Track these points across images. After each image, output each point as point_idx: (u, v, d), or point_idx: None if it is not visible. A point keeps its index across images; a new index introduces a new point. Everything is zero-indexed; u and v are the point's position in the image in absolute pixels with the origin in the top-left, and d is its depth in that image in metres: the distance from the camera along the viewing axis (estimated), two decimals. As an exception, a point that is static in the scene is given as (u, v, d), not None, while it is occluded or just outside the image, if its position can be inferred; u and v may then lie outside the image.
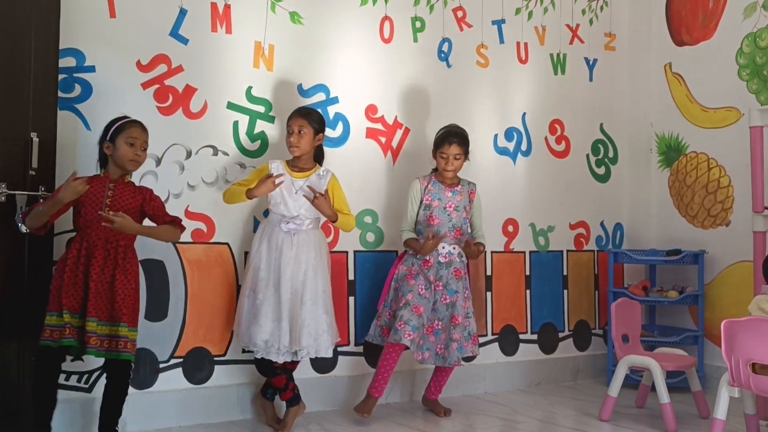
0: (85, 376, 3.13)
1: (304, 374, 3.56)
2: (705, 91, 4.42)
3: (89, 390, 3.14)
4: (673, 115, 4.58)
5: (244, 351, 3.37)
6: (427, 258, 3.50)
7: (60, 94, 3.04)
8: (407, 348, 3.41)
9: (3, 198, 2.81)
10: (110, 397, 2.85)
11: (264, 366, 3.20)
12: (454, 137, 3.54)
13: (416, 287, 3.47)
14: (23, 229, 2.81)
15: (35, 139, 2.88)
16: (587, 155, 4.64)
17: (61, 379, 3.04)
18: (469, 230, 3.66)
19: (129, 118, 2.91)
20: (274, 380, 3.23)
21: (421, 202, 3.59)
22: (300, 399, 3.29)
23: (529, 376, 4.29)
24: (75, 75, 3.14)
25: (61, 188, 2.73)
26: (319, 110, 3.46)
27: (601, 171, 4.70)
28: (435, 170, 3.66)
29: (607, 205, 4.68)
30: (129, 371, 2.84)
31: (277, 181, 3.21)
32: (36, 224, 2.76)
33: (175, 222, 2.98)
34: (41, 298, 2.80)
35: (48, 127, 2.94)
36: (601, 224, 4.66)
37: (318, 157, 3.40)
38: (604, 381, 4.31)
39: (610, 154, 4.74)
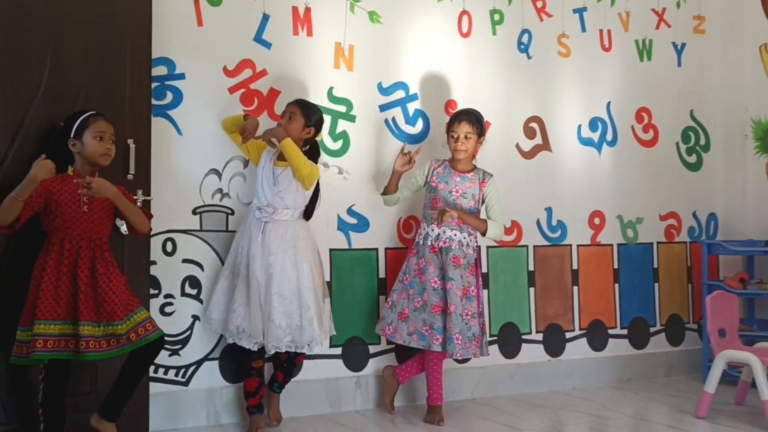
0: (182, 370, 3.28)
1: (337, 373, 3.57)
2: (805, 72, 4.18)
3: (186, 383, 3.28)
4: (770, 98, 4.35)
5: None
6: (432, 243, 3.38)
7: (153, 101, 3.19)
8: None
9: (104, 202, 2.97)
10: (128, 381, 2.73)
11: (238, 359, 3.19)
12: (464, 115, 3.41)
13: (428, 283, 3.34)
14: (124, 230, 2.94)
15: (132, 146, 3.03)
16: (677, 143, 4.47)
17: (160, 374, 3.21)
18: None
19: (91, 111, 2.76)
20: (247, 381, 3.17)
21: (426, 183, 3.47)
22: (262, 411, 3.20)
23: (619, 371, 4.18)
24: (166, 83, 3.28)
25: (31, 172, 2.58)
26: (320, 108, 3.36)
27: (692, 159, 4.52)
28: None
29: (700, 195, 4.50)
30: (156, 353, 2.77)
31: (252, 135, 3.12)
32: (8, 217, 2.55)
33: (146, 213, 2.92)
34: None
35: (143, 134, 3.10)
36: (694, 214, 4.49)
37: (312, 153, 3.28)
38: (699, 377, 4.15)
39: (702, 142, 4.55)
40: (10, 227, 2.59)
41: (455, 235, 3.38)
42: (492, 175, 3.51)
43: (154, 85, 3.20)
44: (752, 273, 4.31)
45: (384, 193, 3.51)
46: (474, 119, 3.43)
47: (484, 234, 3.43)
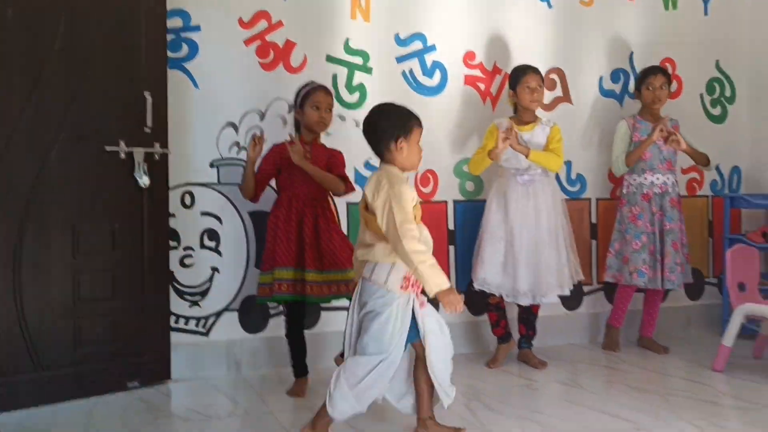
0: (203, 321, 3.34)
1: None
2: (837, 20, 4.04)
3: (206, 334, 3.34)
4: (801, 47, 4.22)
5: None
6: (645, 191, 3.71)
7: (169, 53, 3.18)
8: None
9: (123, 155, 3.00)
10: None
11: (480, 301, 3.56)
12: (657, 69, 3.81)
13: (642, 227, 3.69)
14: (143, 183, 3.00)
15: (149, 98, 3.04)
16: (701, 95, 4.38)
17: (181, 324, 3.27)
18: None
19: (313, 84, 3.07)
20: (489, 314, 3.54)
21: (630, 139, 3.77)
22: (510, 337, 3.56)
23: (637, 326, 4.17)
24: (182, 35, 3.27)
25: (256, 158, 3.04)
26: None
27: (716, 111, 4.42)
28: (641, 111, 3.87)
29: (723, 148, 4.39)
30: None
31: (503, 137, 3.34)
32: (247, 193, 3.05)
33: (344, 179, 3.09)
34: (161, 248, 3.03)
35: (160, 86, 3.10)
36: (717, 168, 4.40)
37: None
38: (718, 332, 4.10)
39: (727, 93, 4.45)
40: (253, 199, 3.09)
41: (667, 179, 3.74)
42: (677, 120, 3.84)
43: (169, 37, 3.18)
44: (775, 227, 4.25)
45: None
46: (666, 72, 3.82)
47: (706, 165, 3.85)
